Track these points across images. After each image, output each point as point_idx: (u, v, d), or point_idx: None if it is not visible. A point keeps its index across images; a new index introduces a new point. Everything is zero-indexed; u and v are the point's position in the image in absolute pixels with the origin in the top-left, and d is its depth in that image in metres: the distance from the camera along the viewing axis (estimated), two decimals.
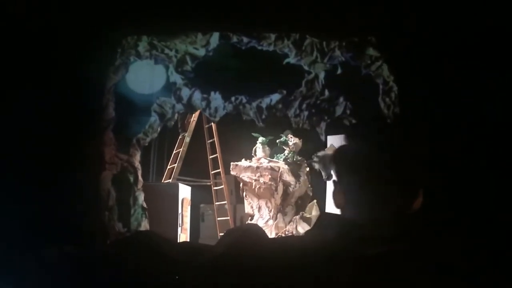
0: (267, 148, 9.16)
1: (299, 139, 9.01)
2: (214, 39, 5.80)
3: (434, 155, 4.87)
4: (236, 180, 9.45)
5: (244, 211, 9.28)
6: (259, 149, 9.14)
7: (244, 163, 8.94)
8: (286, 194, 8.76)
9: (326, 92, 6.18)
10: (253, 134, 9.07)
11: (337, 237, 4.65)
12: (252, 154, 9.20)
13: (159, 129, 6.60)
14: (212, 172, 10.12)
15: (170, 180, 9.52)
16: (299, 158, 9.03)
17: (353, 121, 6.09)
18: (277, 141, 9.09)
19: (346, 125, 6.25)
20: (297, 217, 8.46)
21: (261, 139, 9.11)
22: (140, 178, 6.30)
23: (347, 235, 4.78)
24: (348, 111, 6.09)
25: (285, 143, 9.03)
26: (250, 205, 9.05)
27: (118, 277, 4.28)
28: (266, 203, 8.79)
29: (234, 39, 5.79)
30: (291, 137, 9.01)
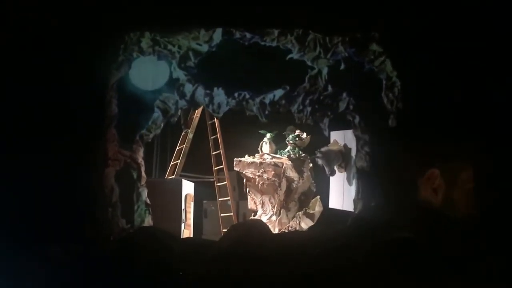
0: (273, 144, 9.15)
1: (307, 135, 8.98)
2: (217, 35, 5.79)
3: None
4: (239, 176, 9.43)
5: (247, 207, 9.26)
6: (266, 144, 9.12)
7: (247, 159, 8.92)
8: (289, 190, 8.74)
9: (329, 88, 6.16)
10: (260, 131, 9.05)
11: (340, 232, 4.66)
12: (258, 149, 9.18)
13: (162, 125, 6.60)
14: (215, 168, 10.10)
15: (174, 176, 9.51)
16: (303, 154, 9.01)
17: (356, 116, 6.07)
18: (287, 140, 9.05)
19: (349, 121, 6.24)
20: (301, 213, 8.43)
21: (269, 134, 9.08)
22: (143, 174, 6.31)
23: (350, 229, 4.79)
24: (351, 107, 6.07)
25: (297, 138, 8.97)
26: (253, 201, 9.03)
27: (122, 273, 4.29)
28: (269, 199, 8.78)
29: (237, 35, 5.77)
30: (300, 132, 8.97)
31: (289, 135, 8.93)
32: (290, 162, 8.74)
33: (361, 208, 5.85)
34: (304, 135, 8.93)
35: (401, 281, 3.39)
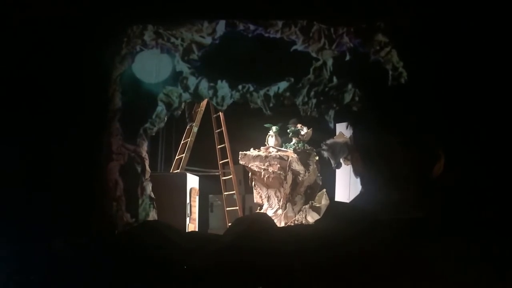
0: (279, 137, 9.13)
1: (308, 128, 8.95)
2: (220, 27, 5.75)
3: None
4: (245, 170, 9.42)
5: (253, 201, 9.25)
6: (272, 137, 9.09)
7: (252, 152, 8.90)
8: (295, 183, 8.72)
9: (334, 79, 6.08)
10: (265, 125, 9.02)
11: (347, 225, 4.61)
12: (265, 143, 9.16)
13: (166, 118, 6.56)
14: (221, 162, 10.09)
15: (178, 170, 9.49)
16: (308, 147, 8.97)
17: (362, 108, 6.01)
18: (288, 130, 9.04)
19: (355, 112, 6.17)
20: (307, 206, 8.40)
21: (274, 128, 9.05)
22: (147, 168, 6.28)
23: (357, 223, 4.74)
24: (356, 98, 6.00)
25: (297, 132, 8.96)
26: (259, 194, 9.02)
27: (127, 267, 4.28)
28: (275, 193, 8.75)
29: (241, 26, 5.72)
30: (301, 126, 8.96)
31: (290, 127, 8.92)
32: (295, 155, 8.72)
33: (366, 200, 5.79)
34: (305, 129, 8.90)
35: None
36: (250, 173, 9.04)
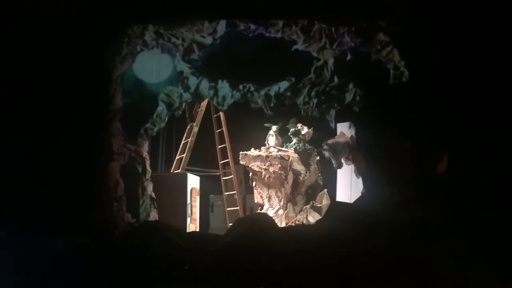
0: (279, 136, 9.10)
1: (309, 128, 8.93)
2: (221, 27, 5.74)
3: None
4: (246, 170, 9.40)
5: (254, 201, 9.23)
6: (272, 137, 9.07)
7: (253, 152, 8.87)
8: (296, 183, 8.70)
9: (335, 79, 6.07)
10: (265, 124, 9.00)
11: (348, 226, 4.60)
12: (265, 143, 9.14)
13: (166, 118, 6.56)
14: (221, 162, 10.07)
15: (179, 171, 9.48)
16: (309, 146, 8.95)
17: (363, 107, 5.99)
18: (289, 133, 9.01)
19: (356, 112, 6.16)
20: (308, 206, 8.38)
21: (274, 127, 9.03)
22: (148, 168, 6.28)
23: (358, 223, 4.73)
24: (358, 98, 5.98)
25: (297, 132, 8.95)
26: (259, 194, 8.99)
27: (127, 267, 4.27)
28: (276, 193, 8.73)
29: (241, 26, 5.71)
30: (301, 126, 8.94)
31: (290, 128, 8.90)
32: (296, 155, 8.70)
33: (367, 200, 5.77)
34: (305, 129, 8.89)
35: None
36: (250, 173, 9.01)
